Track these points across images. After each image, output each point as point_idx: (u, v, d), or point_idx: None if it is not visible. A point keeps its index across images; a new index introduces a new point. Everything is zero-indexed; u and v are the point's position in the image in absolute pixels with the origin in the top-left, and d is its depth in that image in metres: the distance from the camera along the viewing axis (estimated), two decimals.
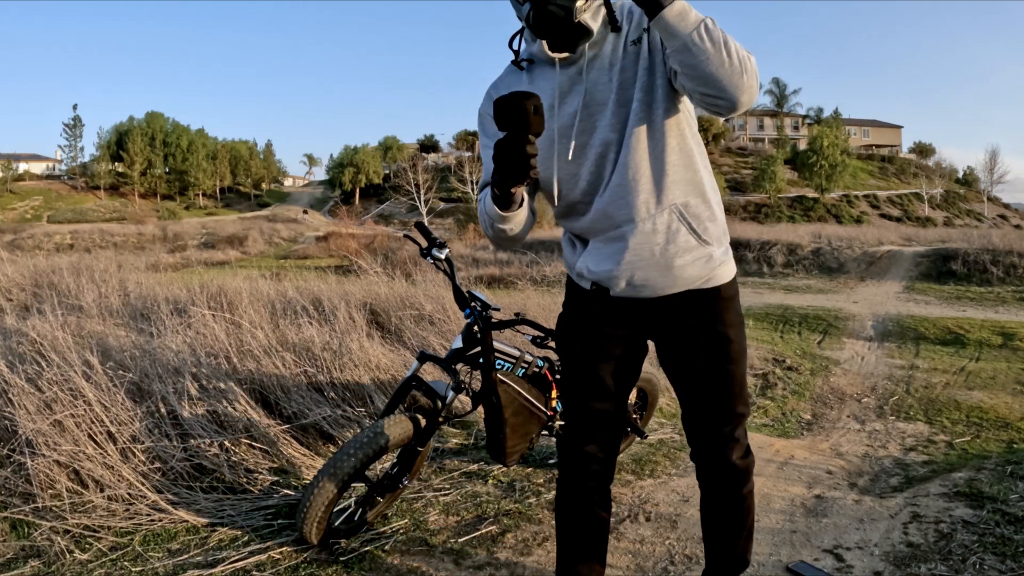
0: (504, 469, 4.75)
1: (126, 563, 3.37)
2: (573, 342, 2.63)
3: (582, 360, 2.59)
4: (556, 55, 2.33)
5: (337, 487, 3.32)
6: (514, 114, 1.90)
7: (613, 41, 2.31)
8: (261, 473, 4.38)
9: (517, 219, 2.37)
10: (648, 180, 2.31)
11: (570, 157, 2.36)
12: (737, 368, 2.47)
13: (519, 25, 2.37)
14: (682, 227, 2.33)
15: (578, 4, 2.17)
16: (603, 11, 2.28)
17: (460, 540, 3.74)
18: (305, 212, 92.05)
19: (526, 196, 2.38)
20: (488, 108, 2.47)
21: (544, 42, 2.32)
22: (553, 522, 3.91)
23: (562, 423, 4.40)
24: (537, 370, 3.98)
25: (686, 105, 2.36)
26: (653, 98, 2.27)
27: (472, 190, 77.82)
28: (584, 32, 2.24)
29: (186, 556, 3.46)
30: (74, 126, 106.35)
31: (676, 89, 2.27)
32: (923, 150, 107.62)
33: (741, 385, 2.50)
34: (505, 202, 2.26)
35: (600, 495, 2.69)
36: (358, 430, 5.01)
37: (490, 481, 4.58)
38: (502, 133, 1.98)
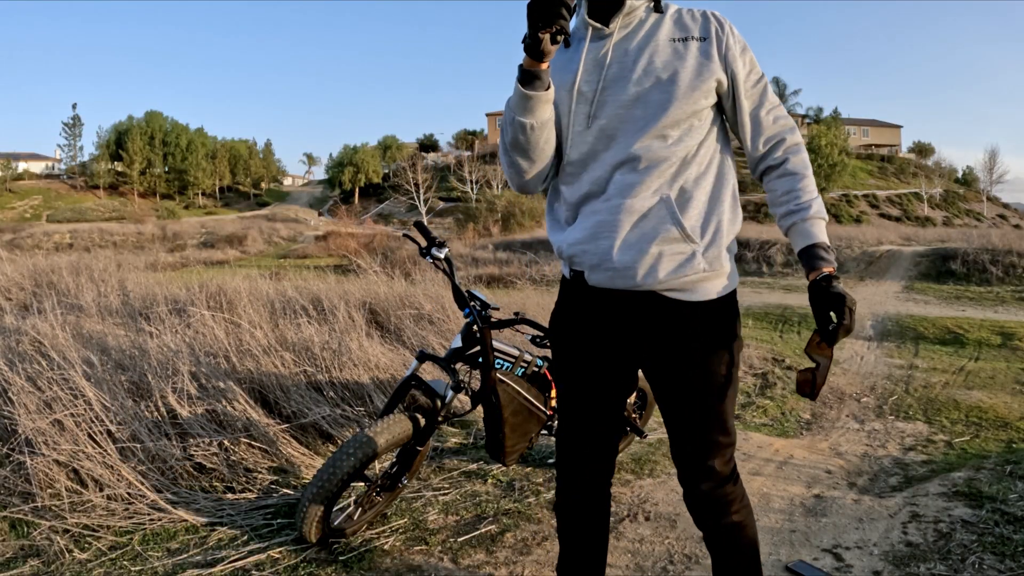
0: (503, 468, 4.74)
1: (125, 562, 3.37)
2: (563, 340, 2.56)
3: (573, 359, 2.53)
4: (592, 23, 2.31)
5: (336, 486, 3.32)
6: None
7: (648, 32, 2.30)
8: (260, 472, 4.38)
9: (541, 108, 2.23)
10: (649, 169, 2.26)
11: (581, 127, 2.33)
12: (722, 397, 2.36)
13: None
14: (668, 216, 2.25)
15: None
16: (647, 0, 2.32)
17: (459, 539, 3.74)
18: (321, 215, 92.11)
19: (551, 85, 2.23)
20: None
21: (586, 9, 2.32)
22: (553, 521, 3.94)
23: None
24: (536, 369, 3.98)
25: (721, 125, 2.41)
26: (686, 91, 2.24)
27: (471, 189, 77.97)
28: (618, 4, 2.27)
29: (185, 555, 3.46)
30: (73, 125, 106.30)
31: (717, 110, 2.37)
32: (922, 150, 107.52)
33: (724, 414, 2.37)
34: (531, 75, 2.15)
35: (598, 497, 2.65)
36: (357, 429, 5.01)
37: (489, 480, 4.58)
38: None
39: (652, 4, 2.33)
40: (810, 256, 2.21)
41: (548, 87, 2.20)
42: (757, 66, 2.35)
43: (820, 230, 2.25)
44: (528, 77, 2.16)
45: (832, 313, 2.12)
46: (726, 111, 2.40)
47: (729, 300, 2.38)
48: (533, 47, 2.05)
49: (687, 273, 2.26)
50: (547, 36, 2.01)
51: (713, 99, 2.31)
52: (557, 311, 2.59)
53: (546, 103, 2.23)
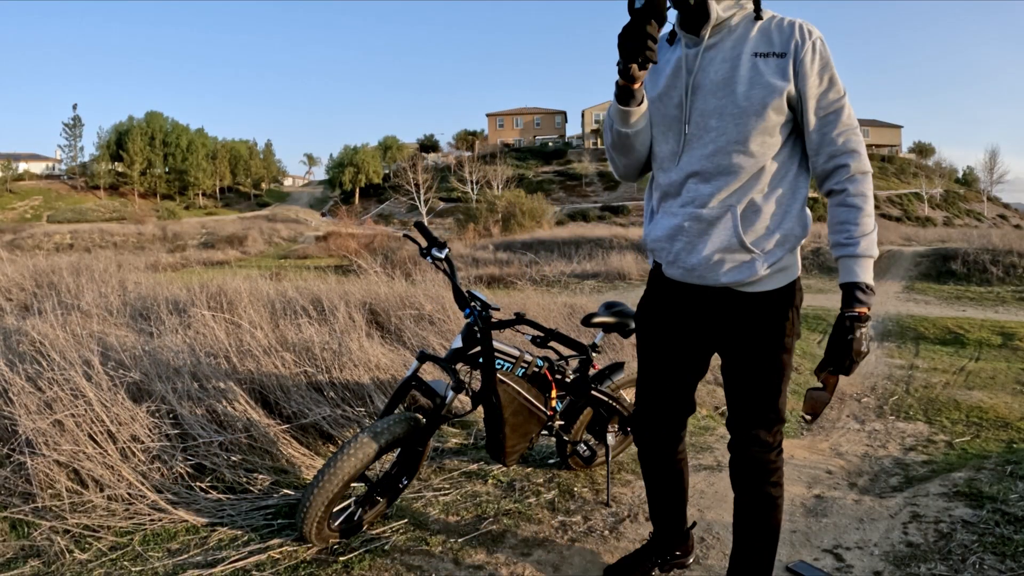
0: (504, 469, 4.74)
1: (126, 563, 3.37)
2: (646, 322, 2.94)
3: (650, 337, 2.92)
4: (683, 33, 2.61)
5: (337, 487, 3.32)
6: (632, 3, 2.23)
7: (735, 42, 2.53)
8: (261, 473, 4.38)
9: (635, 119, 2.61)
10: (720, 180, 2.55)
11: (665, 130, 2.66)
12: (775, 377, 2.65)
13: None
14: (731, 229, 2.54)
15: None
16: (741, 9, 2.57)
17: (460, 540, 3.74)
18: (324, 215, 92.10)
19: (645, 98, 2.60)
20: None
21: (678, 19, 2.60)
22: (553, 521, 3.94)
23: (561, 423, 4.43)
24: (537, 370, 3.98)
25: (795, 137, 2.62)
26: (758, 107, 2.48)
27: (472, 189, 78.02)
28: (704, 17, 2.50)
29: (186, 556, 3.46)
30: (74, 126, 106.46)
31: (790, 122, 2.57)
32: (923, 150, 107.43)
33: (776, 392, 2.67)
34: (626, 93, 2.51)
35: (669, 450, 3.07)
36: (358, 430, 5.01)
37: (490, 481, 4.58)
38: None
39: (752, 12, 2.58)
40: (847, 294, 2.45)
41: (641, 101, 2.58)
42: (837, 84, 2.51)
43: (863, 268, 2.45)
44: (624, 94, 2.52)
45: (837, 356, 2.44)
46: (799, 123, 2.57)
47: (788, 290, 2.66)
48: (625, 73, 2.38)
49: (746, 278, 2.57)
50: (635, 65, 2.34)
51: (785, 115, 2.52)
52: (644, 296, 2.99)
53: (640, 114, 2.61)
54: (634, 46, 2.25)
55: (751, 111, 2.48)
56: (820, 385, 2.53)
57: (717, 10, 2.51)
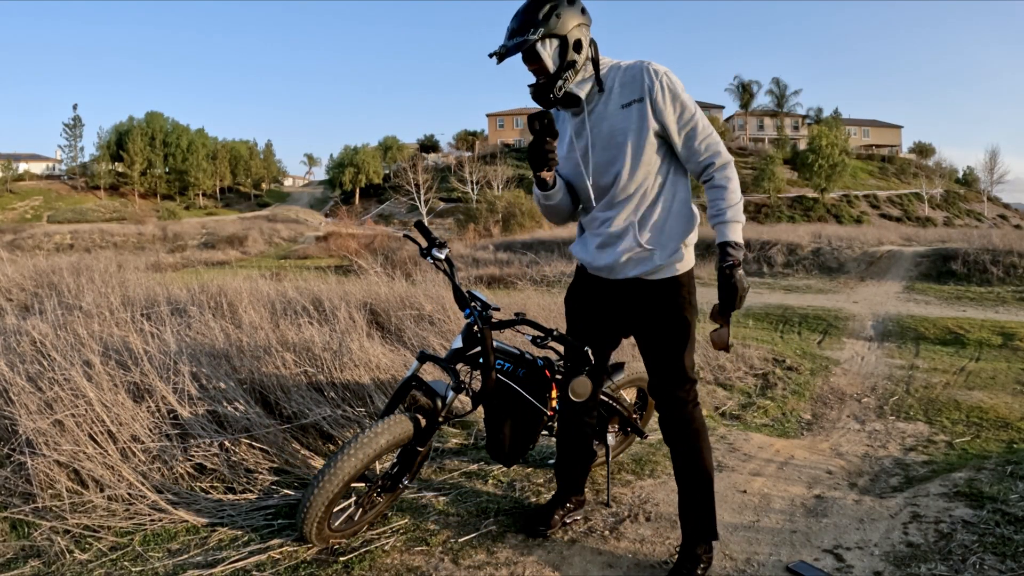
0: (504, 469, 4.74)
1: (126, 563, 3.37)
2: (568, 305, 3.78)
3: (572, 317, 3.76)
4: (565, 109, 3.40)
5: (337, 487, 3.32)
6: (532, 126, 3.10)
7: (605, 101, 3.27)
8: (261, 473, 4.38)
9: (553, 194, 3.39)
10: (620, 206, 3.33)
11: (581, 181, 3.40)
12: (679, 345, 3.36)
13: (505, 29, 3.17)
14: (632, 237, 3.30)
15: (566, 83, 3.17)
16: (591, 82, 3.24)
17: (460, 540, 3.74)
18: (327, 216, 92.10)
19: (559, 180, 3.38)
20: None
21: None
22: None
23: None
24: (537, 370, 3.97)
25: (668, 152, 3.33)
26: (636, 149, 3.23)
27: (472, 190, 78.07)
28: (576, 99, 3.26)
29: (186, 556, 3.46)
30: (74, 126, 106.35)
31: (662, 144, 3.29)
32: (923, 150, 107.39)
33: (682, 357, 3.37)
34: (541, 184, 3.32)
35: (581, 413, 3.90)
36: (358, 430, 5.01)
37: (490, 481, 4.58)
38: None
39: (609, 66, 3.29)
40: (720, 251, 3.14)
41: (554, 184, 3.34)
42: (688, 105, 3.20)
43: (731, 230, 3.15)
44: (540, 185, 3.35)
45: (722, 297, 3.09)
46: (670, 144, 3.29)
47: (684, 278, 3.40)
48: (537, 176, 3.27)
49: (649, 269, 3.33)
50: (544, 171, 3.22)
51: (657, 144, 3.26)
52: (570, 286, 3.80)
53: (557, 191, 3.39)
54: (537, 161, 3.15)
55: (630, 153, 3.21)
56: (717, 326, 3.14)
57: (580, 93, 3.21)
